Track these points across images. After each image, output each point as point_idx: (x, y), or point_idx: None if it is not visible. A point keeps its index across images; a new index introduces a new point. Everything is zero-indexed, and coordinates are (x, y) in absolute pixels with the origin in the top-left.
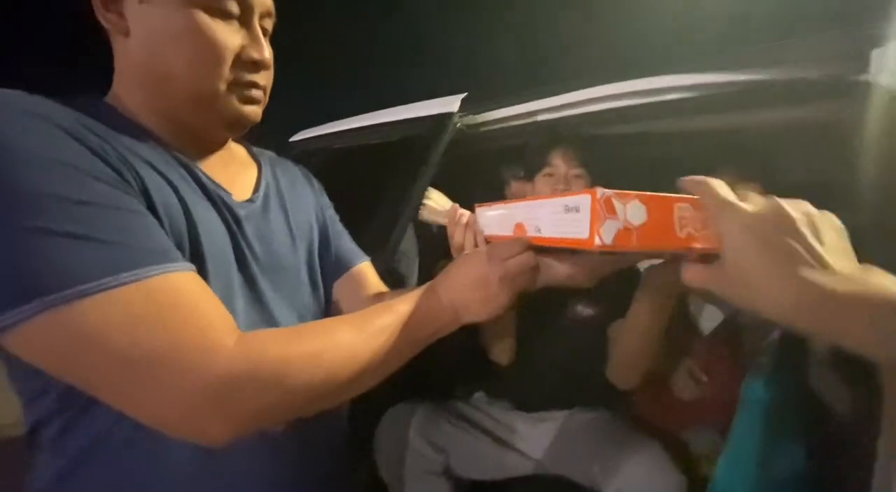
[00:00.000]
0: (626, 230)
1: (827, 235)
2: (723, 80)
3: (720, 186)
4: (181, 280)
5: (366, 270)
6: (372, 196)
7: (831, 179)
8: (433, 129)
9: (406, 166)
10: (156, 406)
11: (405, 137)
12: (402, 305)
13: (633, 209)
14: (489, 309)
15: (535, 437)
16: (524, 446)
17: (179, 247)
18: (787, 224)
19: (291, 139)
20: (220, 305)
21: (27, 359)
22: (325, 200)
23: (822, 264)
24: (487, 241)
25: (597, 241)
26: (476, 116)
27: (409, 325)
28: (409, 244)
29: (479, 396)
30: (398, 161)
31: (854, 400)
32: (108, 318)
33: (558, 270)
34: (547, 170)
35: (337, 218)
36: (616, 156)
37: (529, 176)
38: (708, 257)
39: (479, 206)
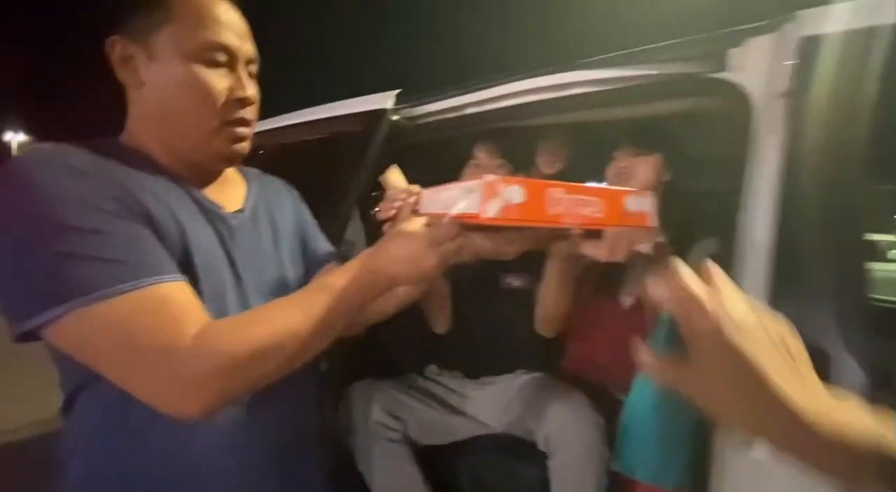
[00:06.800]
0: (508, 207)
1: (799, 351)
2: (614, 76)
3: (692, 281)
4: (166, 289)
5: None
6: (315, 191)
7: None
8: (369, 124)
9: (346, 161)
10: (141, 386)
11: (343, 133)
12: (340, 281)
13: (513, 191)
14: (422, 280)
15: (481, 401)
16: (472, 409)
17: (174, 258)
18: (766, 339)
19: None
20: (194, 308)
21: (61, 348)
22: (303, 207)
23: (801, 386)
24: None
25: (484, 213)
26: (413, 110)
27: (348, 299)
28: (357, 234)
29: (431, 368)
30: (338, 156)
31: None
32: (107, 319)
33: (485, 244)
34: (473, 162)
35: (314, 222)
36: (533, 145)
37: (461, 166)
38: (593, 232)
39: (425, 189)
